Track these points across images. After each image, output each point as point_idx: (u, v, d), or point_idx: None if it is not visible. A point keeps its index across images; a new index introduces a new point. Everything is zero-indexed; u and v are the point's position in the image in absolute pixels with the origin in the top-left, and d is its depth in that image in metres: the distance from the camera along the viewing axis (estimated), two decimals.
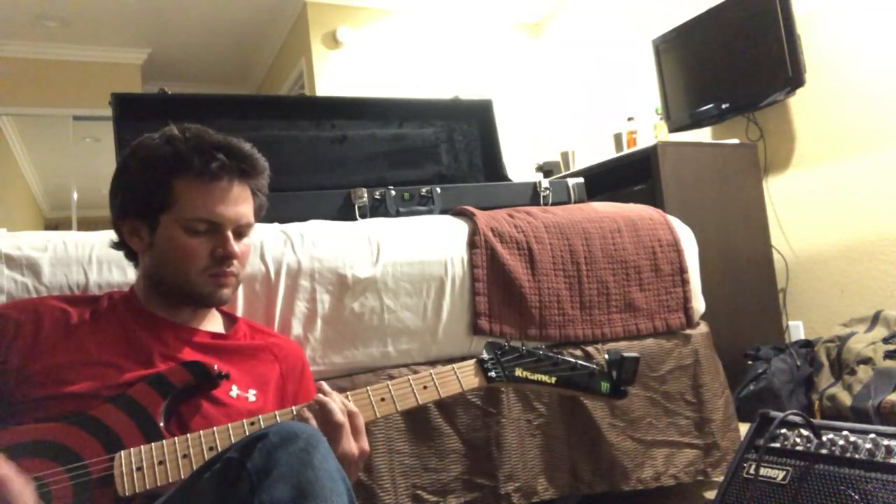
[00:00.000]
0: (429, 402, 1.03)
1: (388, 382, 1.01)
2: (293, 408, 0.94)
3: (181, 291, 1.04)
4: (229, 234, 1.04)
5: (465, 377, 1.05)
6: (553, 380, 1.07)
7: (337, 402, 0.92)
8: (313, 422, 0.90)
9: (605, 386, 1.08)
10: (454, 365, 1.06)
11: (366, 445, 0.94)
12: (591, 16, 4.46)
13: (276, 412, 0.93)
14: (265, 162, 1.10)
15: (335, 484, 0.72)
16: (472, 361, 1.07)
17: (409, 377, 1.02)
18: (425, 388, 1.02)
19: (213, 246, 1.03)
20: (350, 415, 0.93)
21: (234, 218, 1.04)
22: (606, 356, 1.10)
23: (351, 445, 0.91)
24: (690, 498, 1.72)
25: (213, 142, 1.04)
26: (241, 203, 1.05)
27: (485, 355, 1.08)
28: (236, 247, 1.05)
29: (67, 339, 0.98)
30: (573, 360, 1.09)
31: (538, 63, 4.97)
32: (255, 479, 0.70)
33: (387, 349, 1.44)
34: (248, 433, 0.88)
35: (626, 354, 1.08)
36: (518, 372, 1.06)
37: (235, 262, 1.06)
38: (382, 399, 0.99)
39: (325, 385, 0.97)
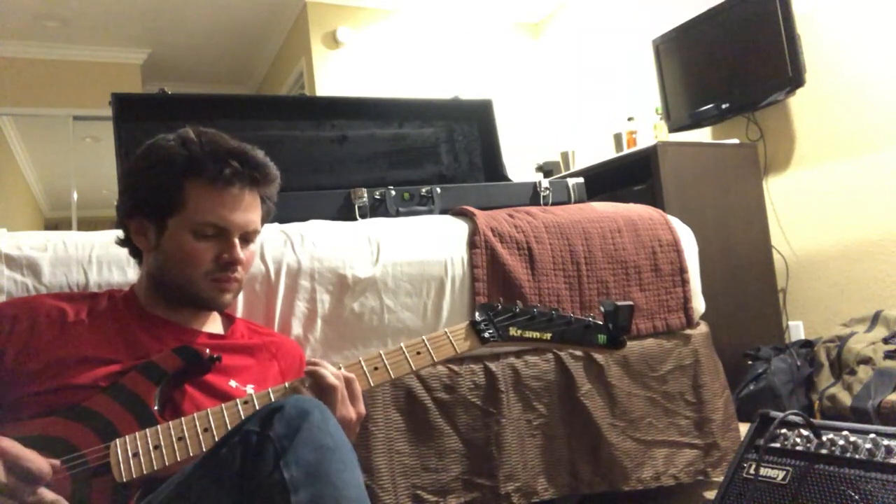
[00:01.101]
0: (423, 367, 1.02)
1: (381, 351, 1.00)
2: (286, 383, 0.94)
3: (183, 293, 1.05)
4: (236, 240, 1.05)
5: (457, 340, 1.03)
6: (548, 335, 1.05)
7: (328, 368, 0.94)
8: (307, 392, 0.92)
9: (601, 338, 1.07)
10: (447, 329, 1.04)
11: (362, 409, 0.96)
12: (591, 16, 4.46)
13: (270, 389, 0.94)
14: (277, 171, 1.11)
15: (349, 452, 0.78)
16: (465, 324, 1.05)
17: (402, 344, 1.01)
18: (419, 353, 1.01)
19: (218, 251, 1.04)
20: (346, 380, 0.94)
21: (242, 224, 1.05)
22: (601, 308, 1.09)
23: (348, 409, 0.93)
24: (690, 498, 1.72)
25: (228, 148, 1.04)
26: (250, 210, 1.06)
27: (477, 317, 1.06)
28: (241, 253, 1.05)
29: (64, 336, 0.99)
30: (568, 314, 1.07)
31: (538, 63, 4.97)
32: (279, 446, 0.74)
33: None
34: (241, 413, 0.90)
35: (619, 303, 1.07)
36: (512, 331, 1.05)
37: (239, 267, 1.06)
38: (376, 368, 0.99)
39: (314, 360, 0.98)
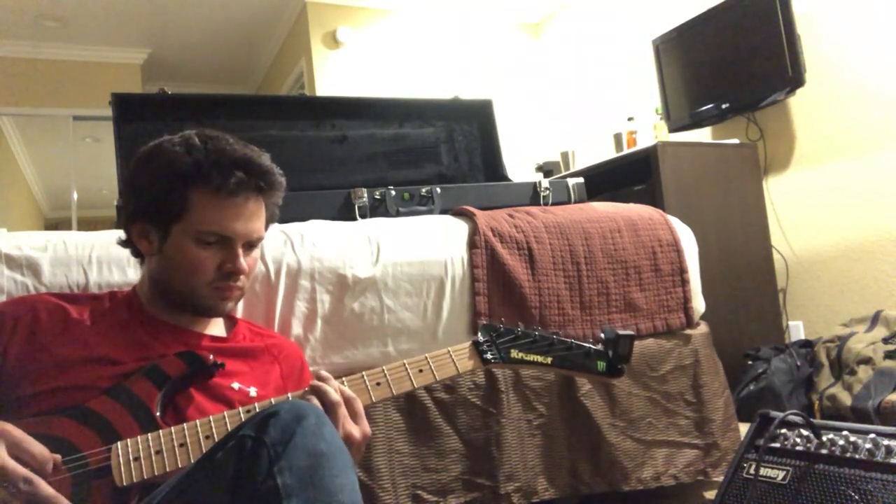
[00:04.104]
0: (425, 385, 1.03)
1: (384, 367, 1.00)
2: (289, 395, 0.94)
3: (184, 300, 1.05)
4: (239, 249, 1.04)
5: (460, 360, 1.04)
6: (549, 360, 1.06)
7: (333, 384, 0.93)
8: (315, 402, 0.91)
9: (601, 365, 1.08)
10: (450, 348, 1.05)
11: (367, 428, 0.95)
12: (591, 16, 4.46)
13: (272, 399, 0.93)
14: (283, 177, 1.09)
15: (344, 457, 0.77)
16: (468, 344, 1.06)
17: (405, 361, 1.02)
18: (421, 371, 1.02)
19: (221, 259, 1.03)
20: (347, 399, 0.93)
21: (246, 234, 1.04)
22: (602, 335, 1.10)
23: (351, 427, 0.92)
24: (690, 498, 1.72)
25: (234, 157, 1.02)
26: (254, 219, 1.05)
27: (480, 337, 1.07)
28: (244, 261, 1.05)
29: (66, 335, 0.98)
30: (570, 340, 1.08)
31: (538, 63, 4.97)
32: (274, 451, 0.73)
33: (387, 349, 1.44)
34: (243, 420, 0.89)
35: (621, 332, 1.08)
36: (514, 353, 1.06)
37: (242, 276, 1.06)
38: (378, 384, 0.99)
39: (322, 372, 0.97)
